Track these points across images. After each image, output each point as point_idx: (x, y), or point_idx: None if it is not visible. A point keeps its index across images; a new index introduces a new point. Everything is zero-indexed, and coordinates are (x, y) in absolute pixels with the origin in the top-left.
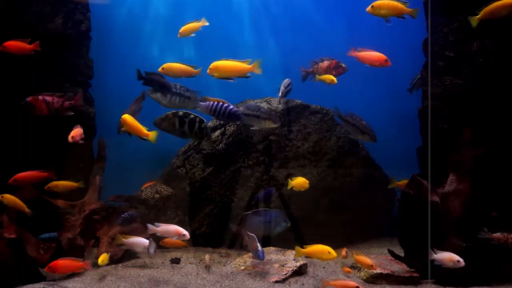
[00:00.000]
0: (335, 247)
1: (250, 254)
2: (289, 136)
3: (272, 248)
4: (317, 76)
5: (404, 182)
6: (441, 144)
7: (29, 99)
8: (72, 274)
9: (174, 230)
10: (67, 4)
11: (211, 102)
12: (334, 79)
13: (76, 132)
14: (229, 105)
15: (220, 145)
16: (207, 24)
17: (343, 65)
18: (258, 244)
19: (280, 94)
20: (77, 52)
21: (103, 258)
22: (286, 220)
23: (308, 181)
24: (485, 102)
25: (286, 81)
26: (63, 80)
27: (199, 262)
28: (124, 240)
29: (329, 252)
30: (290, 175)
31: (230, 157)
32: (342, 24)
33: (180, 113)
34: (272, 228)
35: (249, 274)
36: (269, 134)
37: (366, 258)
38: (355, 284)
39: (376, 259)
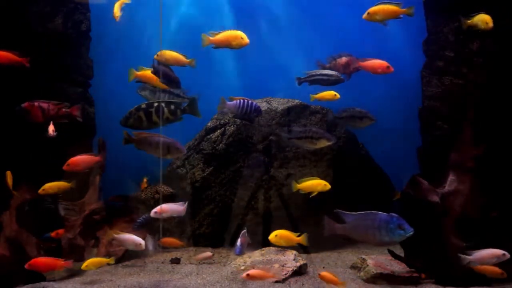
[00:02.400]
0: (336, 247)
1: (250, 254)
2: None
3: (272, 248)
4: (312, 96)
5: None
6: (441, 144)
7: (24, 105)
8: (72, 274)
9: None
10: (67, 4)
11: (239, 101)
12: (337, 94)
13: (52, 126)
14: (253, 101)
15: (220, 145)
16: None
17: (359, 67)
18: (239, 240)
19: (302, 78)
20: (77, 52)
21: (87, 263)
22: (404, 226)
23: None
24: (485, 102)
25: (325, 71)
26: (63, 80)
27: (199, 262)
28: (115, 235)
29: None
30: (290, 175)
31: (230, 157)
32: (343, 25)
33: (143, 105)
34: (381, 235)
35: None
36: (269, 134)
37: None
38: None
39: (376, 259)
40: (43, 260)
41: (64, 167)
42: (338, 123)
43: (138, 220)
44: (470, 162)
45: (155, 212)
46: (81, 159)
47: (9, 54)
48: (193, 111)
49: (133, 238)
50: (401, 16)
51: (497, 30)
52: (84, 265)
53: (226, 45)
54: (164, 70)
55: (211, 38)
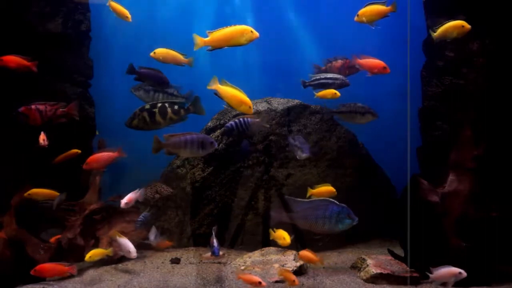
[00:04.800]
0: (336, 247)
1: (250, 254)
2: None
3: (272, 248)
4: (315, 93)
5: None
6: (441, 144)
7: (21, 109)
8: (72, 274)
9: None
10: (67, 4)
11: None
12: (337, 93)
13: (43, 136)
14: (249, 118)
15: (220, 145)
16: None
17: (357, 65)
18: (215, 240)
19: (306, 82)
20: (77, 52)
21: (91, 254)
22: (352, 216)
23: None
24: (485, 102)
25: (330, 74)
26: (63, 80)
27: (199, 262)
28: (117, 237)
29: (284, 238)
30: (290, 175)
31: (230, 157)
32: (343, 25)
33: (147, 106)
34: (331, 224)
35: (249, 274)
36: (269, 134)
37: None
38: (258, 279)
39: (376, 259)
40: (48, 266)
41: (84, 166)
42: (339, 118)
43: (139, 219)
44: (470, 162)
45: (126, 203)
46: (99, 157)
47: (18, 59)
48: (197, 110)
49: (128, 245)
50: (389, 14)
51: (497, 30)
52: (88, 256)
53: (231, 43)
54: (152, 72)
55: (206, 39)
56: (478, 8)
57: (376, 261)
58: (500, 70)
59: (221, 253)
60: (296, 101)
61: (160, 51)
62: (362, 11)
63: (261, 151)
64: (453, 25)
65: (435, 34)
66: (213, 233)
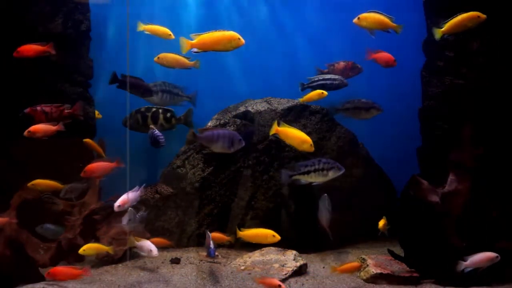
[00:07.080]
0: (336, 247)
1: (250, 254)
2: None
3: (272, 248)
4: (300, 100)
5: None
6: (441, 144)
7: (27, 110)
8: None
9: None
10: (67, 4)
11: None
12: (325, 92)
13: (37, 127)
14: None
15: None
16: None
17: (359, 66)
18: (211, 241)
19: (305, 84)
20: (77, 52)
21: (85, 247)
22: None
23: None
24: (485, 102)
25: (328, 75)
26: (63, 80)
27: (199, 262)
28: (137, 242)
29: (273, 236)
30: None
31: (230, 157)
32: (344, 24)
33: (142, 109)
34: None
35: (249, 274)
36: (269, 134)
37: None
38: (278, 282)
39: (376, 259)
40: (62, 270)
41: (82, 174)
42: (344, 115)
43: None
44: (470, 162)
45: (119, 206)
46: (97, 166)
47: (34, 46)
48: (187, 122)
49: (148, 245)
50: (389, 30)
51: (497, 29)
52: (81, 249)
53: (219, 47)
54: (134, 81)
55: (193, 41)
56: (477, 8)
57: (376, 261)
58: (500, 70)
59: (216, 253)
60: (296, 101)
61: (164, 56)
62: (364, 15)
63: (261, 151)
64: (467, 17)
65: (442, 29)
66: (208, 234)
